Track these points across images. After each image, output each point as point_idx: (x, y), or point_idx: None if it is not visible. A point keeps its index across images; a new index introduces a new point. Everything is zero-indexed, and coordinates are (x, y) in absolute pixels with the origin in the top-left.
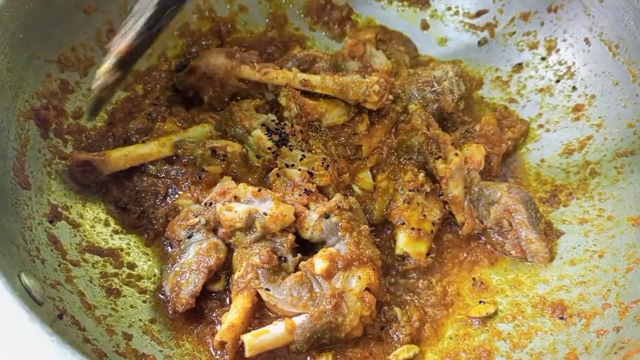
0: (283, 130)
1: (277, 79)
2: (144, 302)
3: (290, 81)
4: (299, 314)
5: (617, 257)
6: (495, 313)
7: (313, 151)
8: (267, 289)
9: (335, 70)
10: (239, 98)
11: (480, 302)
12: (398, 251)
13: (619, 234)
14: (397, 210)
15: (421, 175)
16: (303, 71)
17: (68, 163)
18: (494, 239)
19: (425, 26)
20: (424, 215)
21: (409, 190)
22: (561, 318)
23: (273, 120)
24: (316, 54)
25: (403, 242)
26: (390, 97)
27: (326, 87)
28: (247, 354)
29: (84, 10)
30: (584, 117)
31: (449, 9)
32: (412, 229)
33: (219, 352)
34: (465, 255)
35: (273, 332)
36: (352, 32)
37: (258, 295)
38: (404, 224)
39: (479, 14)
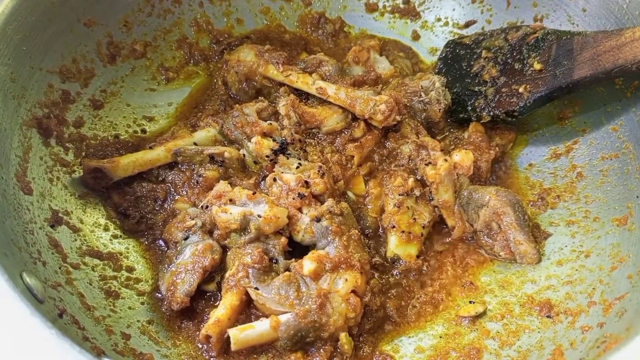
0: (284, 140)
1: (297, 82)
2: (142, 303)
3: (307, 86)
4: (286, 313)
5: (603, 257)
6: (485, 312)
7: (309, 159)
8: (256, 288)
9: (340, 74)
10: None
11: (470, 302)
12: (389, 253)
13: (604, 234)
14: (387, 214)
15: (410, 180)
16: (310, 74)
17: (69, 170)
18: (483, 241)
19: (416, 37)
20: (414, 218)
21: (399, 195)
22: (548, 316)
23: (276, 129)
24: (322, 58)
25: (394, 244)
26: (398, 117)
27: (338, 98)
28: (232, 347)
29: (84, 24)
30: (570, 122)
31: (439, 20)
32: (403, 232)
33: (204, 345)
34: (455, 257)
35: (258, 328)
36: (345, 43)
37: (247, 295)
38: (394, 227)
39: (467, 24)
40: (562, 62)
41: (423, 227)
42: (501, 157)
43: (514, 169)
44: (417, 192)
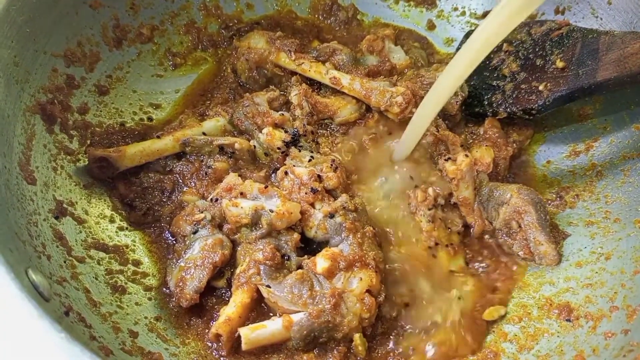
0: (296, 131)
1: (310, 71)
2: (150, 299)
3: (320, 76)
4: (299, 312)
5: (624, 260)
6: (502, 315)
7: (322, 150)
8: (268, 286)
9: (354, 63)
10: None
11: None
12: (445, 271)
13: (626, 236)
14: (426, 233)
15: (430, 190)
16: (323, 62)
17: (74, 159)
18: (502, 240)
19: (431, 26)
20: (449, 228)
21: (429, 209)
22: (568, 320)
23: (288, 120)
24: (335, 47)
25: (447, 261)
26: (414, 110)
27: (353, 89)
28: (243, 347)
29: (90, 5)
30: (590, 119)
31: (456, 9)
32: (447, 246)
33: (214, 344)
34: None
35: (270, 327)
36: (358, 31)
37: (258, 291)
38: (437, 244)
39: (485, 14)
40: (586, 62)
41: (459, 234)
42: (518, 154)
43: (532, 166)
44: (441, 201)
